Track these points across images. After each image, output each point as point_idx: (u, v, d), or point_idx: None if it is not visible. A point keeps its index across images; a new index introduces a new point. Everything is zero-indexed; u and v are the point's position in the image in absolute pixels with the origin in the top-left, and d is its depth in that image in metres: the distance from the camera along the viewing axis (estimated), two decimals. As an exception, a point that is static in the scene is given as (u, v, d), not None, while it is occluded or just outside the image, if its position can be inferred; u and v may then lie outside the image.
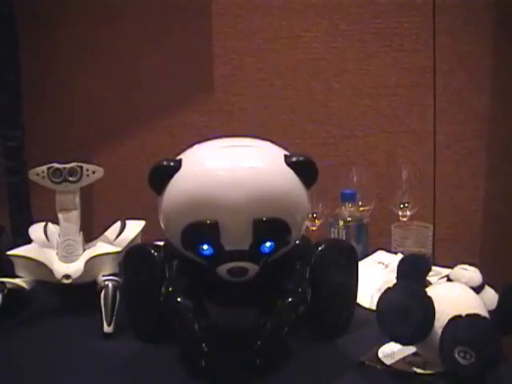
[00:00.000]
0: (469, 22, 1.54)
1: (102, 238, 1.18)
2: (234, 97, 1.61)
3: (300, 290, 0.90)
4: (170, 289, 0.89)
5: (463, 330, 0.78)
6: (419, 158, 1.59)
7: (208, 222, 0.79)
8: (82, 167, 1.08)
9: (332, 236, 1.29)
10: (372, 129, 1.60)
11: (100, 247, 1.10)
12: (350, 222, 1.28)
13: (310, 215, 1.30)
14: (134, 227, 1.23)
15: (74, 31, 1.59)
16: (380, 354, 0.91)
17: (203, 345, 0.83)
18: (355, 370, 0.89)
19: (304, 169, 0.85)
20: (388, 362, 0.89)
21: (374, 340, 0.92)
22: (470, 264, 0.95)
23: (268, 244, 0.82)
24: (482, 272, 0.93)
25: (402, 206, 1.38)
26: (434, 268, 1.15)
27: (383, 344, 0.92)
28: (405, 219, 1.38)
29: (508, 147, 1.58)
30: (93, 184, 1.63)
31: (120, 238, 1.19)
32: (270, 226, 0.81)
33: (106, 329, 0.99)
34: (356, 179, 1.40)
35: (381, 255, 1.25)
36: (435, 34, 1.55)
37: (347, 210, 1.30)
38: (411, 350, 0.89)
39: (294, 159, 0.84)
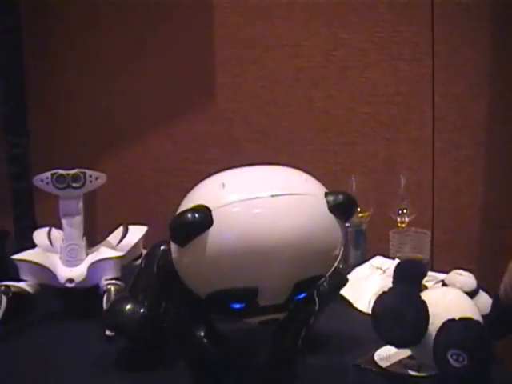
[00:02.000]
0: (467, 31, 1.56)
1: (104, 242, 1.20)
2: (235, 104, 1.63)
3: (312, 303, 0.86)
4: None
5: (456, 333, 0.80)
6: (418, 164, 1.61)
7: (245, 288, 0.71)
8: (85, 173, 1.10)
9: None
10: (371, 136, 1.61)
11: (103, 252, 1.12)
12: (348, 228, 1.30)
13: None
14: (137, 232, 1.25)
15: (78, 40, 1.61)
16: (376, 357, 0.93)
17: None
18: (351, 373, 0.91)
19: (345, 210, 0.77)
20: (383, 364, 0.91)
21: (370, 344, 0.94)
22: (467, 270, 0.96)
23: (302, 295, 0.78)
24: (479, 278, 0.95)
25: (400, 212, 1.40)
26: (430, 273, 1.16)
27: (379, 347, 0.94)
28: (403, 225, 1.40)
29: (506, 154, 1.60)
30: (96, 190, 1.64)
31: (122, 242, 1.21)
32: (311, 282, 0.77)
33: (108, 332, 1.01)
34: (355, 186, 1.41)
35: (379, 260, 1.27)
36: (434, 42, 1.56)
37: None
38: (407, 353, 0.91)
39: (336, 203, 0.75)
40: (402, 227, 1.40)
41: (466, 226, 1.63)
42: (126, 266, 1.16)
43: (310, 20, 1.58)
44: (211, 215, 0.70)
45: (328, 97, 1.61)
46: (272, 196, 0.71)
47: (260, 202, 0.71)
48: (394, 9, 1.56)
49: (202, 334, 0.79)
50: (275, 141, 1.63)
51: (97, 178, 1.12)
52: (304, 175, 0.78)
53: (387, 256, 1.31)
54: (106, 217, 1.61)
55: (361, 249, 1.31)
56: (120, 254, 1.12)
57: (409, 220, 1.41)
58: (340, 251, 0.79)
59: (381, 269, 1.23)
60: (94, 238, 1.23)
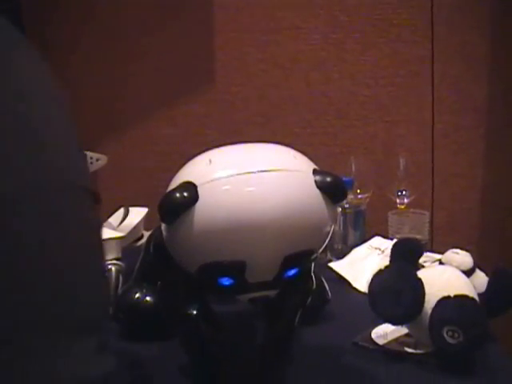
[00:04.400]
0: (466, 12, 1.56)
1: (105, 224, 1.21)
2: (234, 87, 1.63)
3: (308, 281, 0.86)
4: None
5: (451, 310, 0.81)
6: (417, 146, 1.61)
7: (233, 262, 0.71)
8: (85, 155, 1.11)
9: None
10: (371, 118, 1.62)
11: (103, 233, 1.13)
12: (347, 209, 1.31)
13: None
14: (137, 214, 1.26)
15: (79, 26, 1.62)
16: (373, 335, 0.94)
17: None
18: (349, 351, 0.92)
19: (334, 190, 0.75)
20: (380, 342, 0.92)
21: (368, 322, 0.95)
22: (467, 250, 0.97)
23: (293, 271, 0.76)
24: (478, 258, 0.96)
25: (399, 193, 1.41)
26: (429, 254, 1.18)
27: (377, 326, 0.95)
28: (402, 207, 1.41)
29: (506, 136, 1.60)
30: (98, 172, 1.67)
31: (123, 224, 1.22)
32: (300, 257, 0.75)
33: (112, 311, 1.02)
34: (354, 168, 1.42)
35: (377, 241, 1.27)
36: (433, 24, 1.57)
37: (344, 197, 1.32)
38: (404, 330, 0.92)
39: (323, 182, 0.73)
40: (402, 208, 1.41)
41: (465, 207, 1.64)
42: (127, 247, 1.17)
43: (309, 3, 1.59)
44: (197, 191, 0.70)
45: (327, 79, 1.61)
46: (258, 171, 0.71)
47: (246, 178, 0.70)
48: (393, -9, 1.57)
49: (195, 312, 0.79)
50: (275, 123, 1.63)
51: (98, 160, 1.13)
52: (293, 152, 0.77)
53: (386, 236, 1.31)
54: (108, 199, 1.60)
55: (360, 230, 1.31)
56: (120, 234, 1.13)
57: (408, 201, 1.42)
58: (330, 228, 0.78)
59: (379, 249, 1.24)
60: (103, 219, 1.24)
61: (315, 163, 1.47)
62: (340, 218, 1.30)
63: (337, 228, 1.30)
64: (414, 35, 1.58)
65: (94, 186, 0.53)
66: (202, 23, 1.61)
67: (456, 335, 0.80)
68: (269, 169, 0.71)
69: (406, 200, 1.41)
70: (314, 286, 0.87)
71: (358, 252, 1.24)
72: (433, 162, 1.62)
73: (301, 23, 1.60)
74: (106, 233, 1.13)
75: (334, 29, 1.59)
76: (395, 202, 1.43)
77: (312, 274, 0.87)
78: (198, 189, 0.70)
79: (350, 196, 1.33)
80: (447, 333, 0.81)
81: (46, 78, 0.53)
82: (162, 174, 1.65)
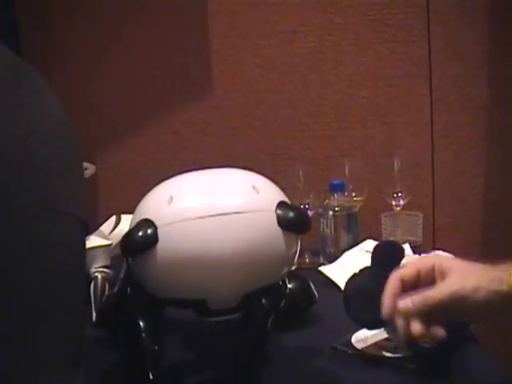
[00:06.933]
0: (463, 11, 1.54)
1: (97, 232, 1.22)
2: (232, 92, 1.63)
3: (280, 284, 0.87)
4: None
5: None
6: (417, 147, 1.60)
7: (193, 300, 0.75)
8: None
9: (321, 226, 1.31)
10: (369, 120, 1.61)
11: (92, 240, 1.14)
12: (338, 211, 1.30)
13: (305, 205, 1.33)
14: (129, 222, 1.26)
15: (74, 33, 1.63)
16: (353, 340, 0.93)
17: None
18: (327, 355, 0.92)
19: (296, 226, 0.76)
20: (359, 346, 0.92)
21: (352, 326, 0.94)
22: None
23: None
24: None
25: (394, 195, 1.39)
26: (423, 255, 1.16)
27: (358, 330, 0.95)
28: (398, 208, 1.40)
29: (506, 135, 1.58)
30: (97, 180, 1.69)
31: (115, 231, 1.23)
32: (261, 291, 0.77)
33: (95, 318, 1.03)
34: (350, 170, 1.41)
35: (369, 244, 1.26)
36: (429, 23, 1.55)
37: (335, 200, 1.32)
38: (384, 335, 0.92)
39: (286, 218, 0.74)
40: (397, 210, 1.40)
41: (466, 208, 1.62)
42: (119, 254, 1.18)
43: (303, 6, 1.58)
44: (156, 233, 0.71)
45: (324, 82, 1.61)
46: (218, 215, 0.71)
47: (205, 222, 0.71)
48: (388, -9, 1.55)
49: (142, 324, 0.80)
50: (273, 127, 1.63)
51: (86, 169, 1.14)
52: (258, 184, 0.77)
53: (378, 238, 1.30)
54: (107, 207, 1.63)
55: (352, 233, 1.31)
56: (108, 242, 1.14)
57: (404, 203, 1.40)
58: (293, 260, 0.80)
59: (370, 252, 1.23)
60: (94, 227, 1.25)
61: (314, 166, 1.48)
62: (331, 221, 1.29)
63: (328, 231, 1.30)
64: (411, 35, 1.57)
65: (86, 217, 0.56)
66: (196, 29, 1.61)
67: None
68: (228, 212, 0.72)
69: (401, 202, 1.40)
70: (288, 290, 0.88)
71: (349, 255, 1.24)
72: (433, 162, 1.60)
73: (296, 26, 1.59)
74: (94, 240, 1.14)
75: (329, 31, 1.58)
76: (391, 204, 1.42)
77: (285, 279, 0.88)
78: (158, 230, 0.72)
79: (342, 198, 1.32)
80: (421, 337, 0.80)
81: (52, 113, 0.56)
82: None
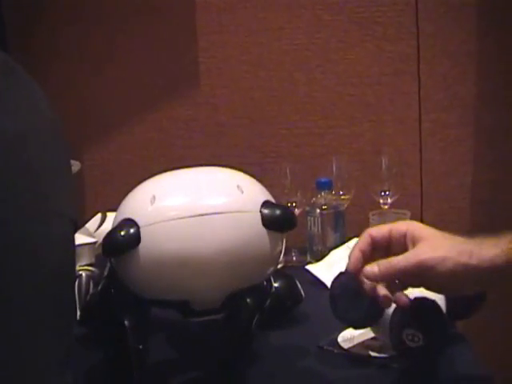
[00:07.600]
0: (451, 9, 1.54)
1: (82, 229, 1.21)
2: (219, 89, 1.62)
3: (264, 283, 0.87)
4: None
5: (411, 314, 0.80)
6: (405, 145, 1.59)
7: (176, 301, 0.74)
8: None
9: (308, 224, 1.30)
10: (357, 118, 1.60)
11: (77, 238, 1.12)
12: (326, 210, 1.29)
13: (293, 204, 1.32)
14: (115, 219, 1.25)
15: (63, 28, 1.62)
16: (340, 339, 0.93)
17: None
18: (313, 355, 0.91)
19: (281, 225, 0.75)
20: (346, 345, 0.91)
21: (339, 325, 0.93)
22: None
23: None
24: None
25: (382, 193, 1.39)
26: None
27: (345, 329, 0.94)
28: (386, 207, 1.39)
29: (494, 133, 1.58)
30: (83, 177, 1.67)
31: (100, 229, 1.22)
32: (245, 291, 0.77)
33: (79, 316, 1.02)
34: (337, 168, 1.41)
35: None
36: (418, 21, 1.54)
37: (323, 198, 1.31)
38: (370, 334, 0.91)
39: (270, 217, 0.73)
40: (385, 209, 1.39)
41: (454, 206, 1.61)
42: (103, 252, 1.17)
43: (291, 2, 1.57)
44: (139, 233, 0.70)
45: (312, 79, 1.60)
46: (200, 215, 0.70)
47: (188, 222, 0.70)
48: (376, -12, 1.55)
49: (127, 323, 0.79)
50: (260, 125, 1.62)
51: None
52: (242, 183, 0.76)
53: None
54: (93, 204, 1.62)
55: (340, 231, 1.30)
56: (93, 240, 1.13)
57: (392, 201, 1.40)
58: (278, 259, 0.79)
59: (357, 251, 1.22)
60: (80, 224, 1.24)
61: (301, 164, 1.47)
62: (318, 219, 1.29)
63: (315, 229, 1.29)
64: (399, 32, 1.56)
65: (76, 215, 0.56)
66: (184, 26, 1.60)
67: (416, 339, 0.79)
68: (212, 212, 0.70)
69: (389, 200, 1.39)
70: (273, 289, 0.87)
71: (336, 254, 1.23)
72: (421, 160, 1.60)
73: (284, 23, 1.58)
74: (79, 238, 1.12)
75: (317, 28, 1.57)
76: (379, 203, 1.41)
77: (271, 278, 0.87)
78: (141, 230, 0.71)
79: (329, 197, 1.32)
80: (407, 336, 0.79)
81: (45, 113, 0.57)
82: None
